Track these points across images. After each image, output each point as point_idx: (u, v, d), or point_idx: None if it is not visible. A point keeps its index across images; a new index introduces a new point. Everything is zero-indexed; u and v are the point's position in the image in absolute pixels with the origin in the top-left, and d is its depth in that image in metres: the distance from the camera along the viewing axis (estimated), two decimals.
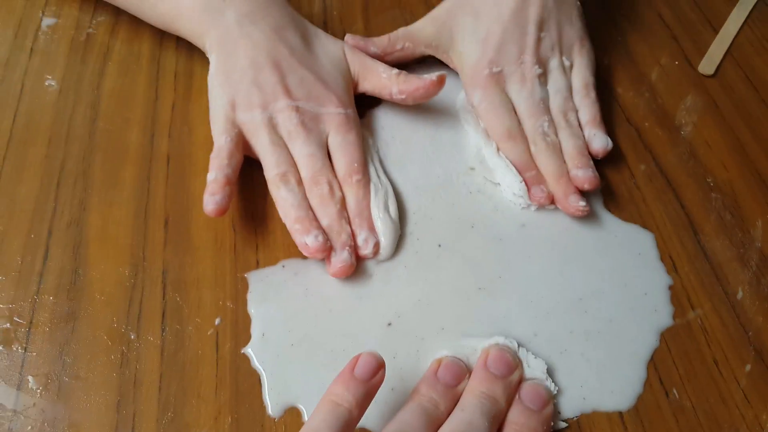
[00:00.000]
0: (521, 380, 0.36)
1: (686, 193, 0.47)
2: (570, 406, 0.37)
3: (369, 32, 0.55)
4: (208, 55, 0.46)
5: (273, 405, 0.36)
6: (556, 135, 0.47)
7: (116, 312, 0.39)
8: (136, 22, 0.54)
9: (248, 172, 0.45)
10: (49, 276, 0.40)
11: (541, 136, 0.46)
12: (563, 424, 0.37)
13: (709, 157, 0.50)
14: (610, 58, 0.56)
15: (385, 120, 0.49)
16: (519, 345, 0.38)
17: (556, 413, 0.37)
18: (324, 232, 0.40)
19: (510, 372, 0.36)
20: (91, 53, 0.53)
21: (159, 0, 0.47)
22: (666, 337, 0.40)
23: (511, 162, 0.45)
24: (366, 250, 0.41)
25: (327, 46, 0.48)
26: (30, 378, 0.36)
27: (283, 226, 0.43)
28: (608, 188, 0.47)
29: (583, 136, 0.47)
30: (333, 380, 0.32)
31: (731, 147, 0.50)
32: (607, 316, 0.40)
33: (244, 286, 0.41)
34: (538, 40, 0.48)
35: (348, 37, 0.48)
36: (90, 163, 0.46)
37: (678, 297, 0.42)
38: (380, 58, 0.48)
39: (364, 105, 0.50)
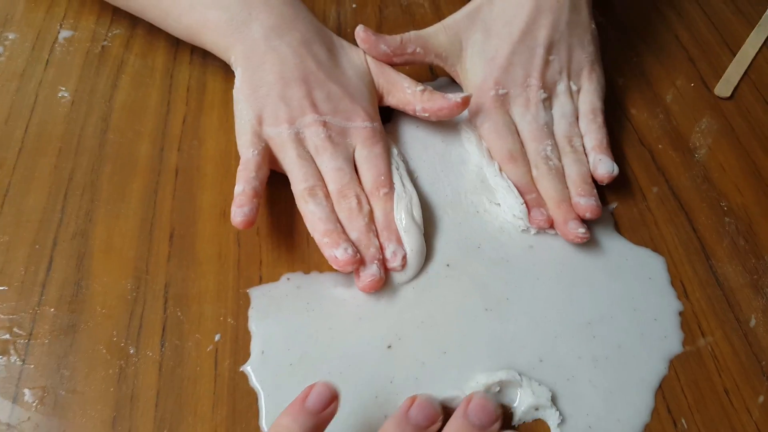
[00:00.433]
0: None
1: (699, 216, 0.46)
2: None
3: None
4: (233, 69, 0.46)
5: (269, 425, 0.35)
6: (560, 160, 0.46)
7: (116, 325, 0.39)
8: (150, 36, 0.55)
9: None
10: (51, 287, 0.40)
11: (543, 159, 0.45)
12: None
13: (724, 181, 0.49)
14: (625, 78, 0.55)
15: (396, 136, 0.49)
16: (521, 375, 0.37)
17: None
18: (353, 244, 0.40)
19: (490, 423, 0.34)
20: (105, 66, 0.53)
21: (184, 12, 0.47)
22: (675, 364, 0.39)
23: (512, 183, 0.45)
24: (394, 262, 0.41)
25: (352, 58, 0.48)
26: (26, 391, 0.36)
27: (289, 241, 0.43)
28: (620, 210, 0.46)
29: (588, 162, 0.46)
30: (283, 410, 0.31)
31: (746, 171, 0.49)
32: (615, 341, 0.39)
33: (246, 301, 0.40)
34: (546, 63, 0.48)
35: (359, 29, 0.47)
36: (99, 174, 0.46)
37: (688, 323, 0.41)
38: (389, 58, 0.48)
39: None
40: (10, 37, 0.54)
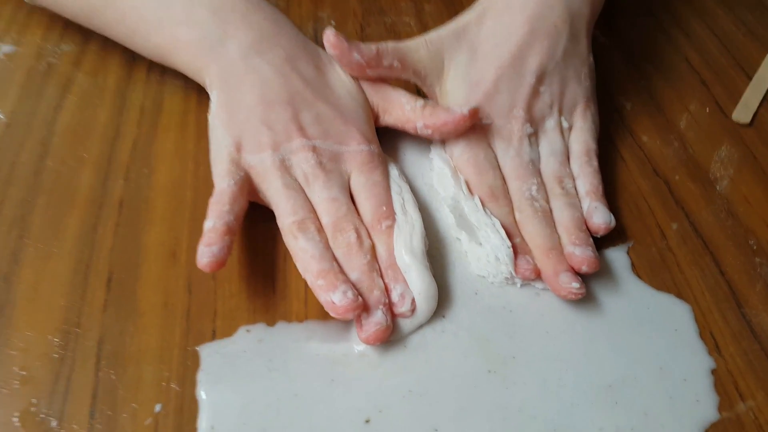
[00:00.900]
0: None
1: (726, 257, 0.40)
2: None
3: None
4: (209, 92, 0.41)
5: None
6: (547, 202, 0.40)
7: (37, 391, 0.32)
8: (104, 52, 0.49)
9: None
10: None
11: (527, 200, 0.40)
12: None
13: (750, 216, 0.43)
14: (633, 103, 0.50)
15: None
16: None
17: None
18: (353, 287, 0.34)
19: None
20: (49, 84, 0.47)
21: (152, 30, 0.42)
22: None
23: (498, 221, 0.38)
24: (402, 307, 0.35)
25: (342, 75, 0.42)
26: None
27: (251, 286, 0.37)
28: (636, 249, 0.40)
29: (581, 208, 0.40)
30: None
31: None
32: (641, 408, 0.33)
33: (195, 362, 0.33)
34: (536, 94, 0.42)
35: (329, 32, 0.40)
36: (31, 207, 0.39)
37: (723, 384, 0.35)
38: (361, 69, 0.42)
39: None
40: None
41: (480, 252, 0.38)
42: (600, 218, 0.39)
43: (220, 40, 0.40)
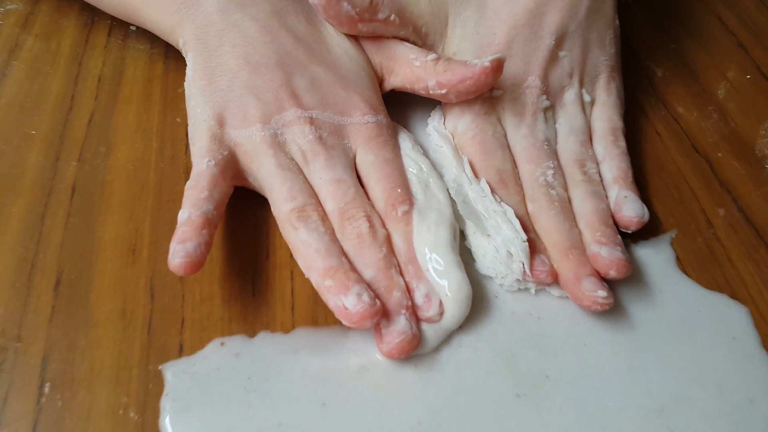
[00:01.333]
0: None
1: None
2: None
3: None
4: (184, 55, 0.35)
5: None
6: (565, 190, 0.34)
7: None
8: (57, 13, 0.43)
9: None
10: None
11: (542, 188, 0.33)
12: None
13: None
14: (664, 68, 0.44)
15: None
16: None
17: None
18: (369, 288, 0.29)
19: None
20: None
21: None
22: None
23: (511, 210, 0.32)
24: (429, 311, 0.29)
25: (340, 32, 0.36)
26: None
27: (226, 290, 0.31)
28: (680, 240, 0.35)
29: (607, 197, 0.34)
30: None
31: None
32: None
33: (159, 384, 0.28)
34: (554, 60, 0.36)
35: None
36: None
37: None
38: (352, 23, 0.35)
39: None
40: None
41: (487, 246, 0.32)
42: (631, 210, 0.33)
43: None
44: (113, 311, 0.30)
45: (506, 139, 0.35)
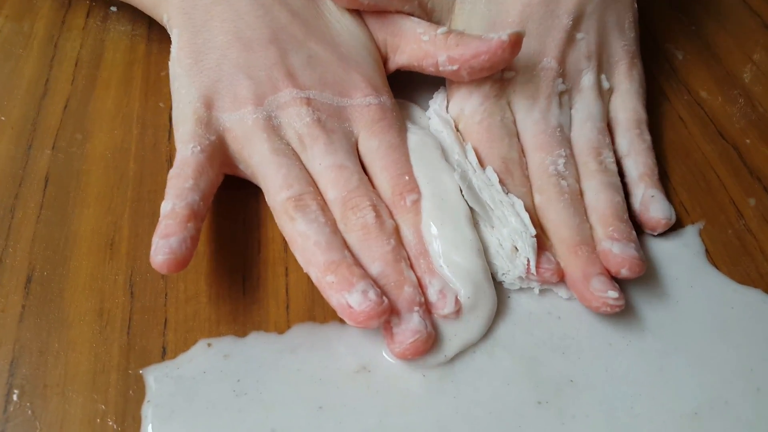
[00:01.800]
0: None
1: None
2: None
3: None
4: (169, 32, 0.33)
5: None
6: (577, 181, 0.31)
7: None
8: None
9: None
10: None
11: (551, 178, 0.31)
12: None
13: None
14: (685, 51, 0.42)
15: None
16: None
17: None
18: (375, 284, 0.26)
19: None
20: None
21: None
22: None
23: (519, 201, 0.30)
24: (444, 308, 0.27)
25: (339, 7, 0.34)
26: None
27: (214, 286, 0.28)
28: (709, 231, 0.32)
29: (621, 188, 0.32)
30: None
31: None
32: None
33: (140, 390, 0.25)
34: (571, 41, 0.34)
35: None
36: None
37: None
38: None
39: None
40: None
41: (490, 238, 0.29)
42: (659, 211, 0.31)
43: None
44: (89, 311, 0.27)
45: (515, 126, 0.33)
